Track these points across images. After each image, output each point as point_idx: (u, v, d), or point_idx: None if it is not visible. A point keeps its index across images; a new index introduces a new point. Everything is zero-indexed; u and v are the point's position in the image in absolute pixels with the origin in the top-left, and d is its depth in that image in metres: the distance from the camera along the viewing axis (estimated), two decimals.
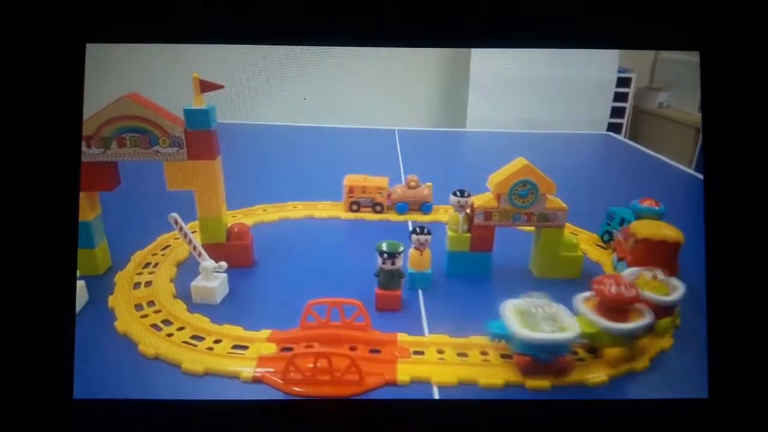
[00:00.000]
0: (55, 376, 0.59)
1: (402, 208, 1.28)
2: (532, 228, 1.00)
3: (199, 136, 0.90)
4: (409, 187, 1.29)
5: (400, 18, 0.58)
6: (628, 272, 0.80)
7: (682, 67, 3.14)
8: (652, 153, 2.10)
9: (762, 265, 0.52)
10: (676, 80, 3.28)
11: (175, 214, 0.87)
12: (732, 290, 0.51)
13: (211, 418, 0.66)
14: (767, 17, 0.51)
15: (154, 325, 0.80)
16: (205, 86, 0.90)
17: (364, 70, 2.90)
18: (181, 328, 0.79)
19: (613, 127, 2.97)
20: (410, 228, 1.17)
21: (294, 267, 1.04)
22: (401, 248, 0.87)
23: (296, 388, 0.68)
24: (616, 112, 3.14)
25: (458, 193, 0.96)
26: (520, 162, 0.95)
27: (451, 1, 0.58)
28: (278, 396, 0.68)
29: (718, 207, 0.53)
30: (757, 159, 0.53)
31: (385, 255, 0.86)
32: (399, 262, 0.87)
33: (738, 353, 0.50)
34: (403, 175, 1.69)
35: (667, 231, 0.88)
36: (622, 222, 1.07)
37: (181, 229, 0.87)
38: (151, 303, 0.86)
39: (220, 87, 0.91)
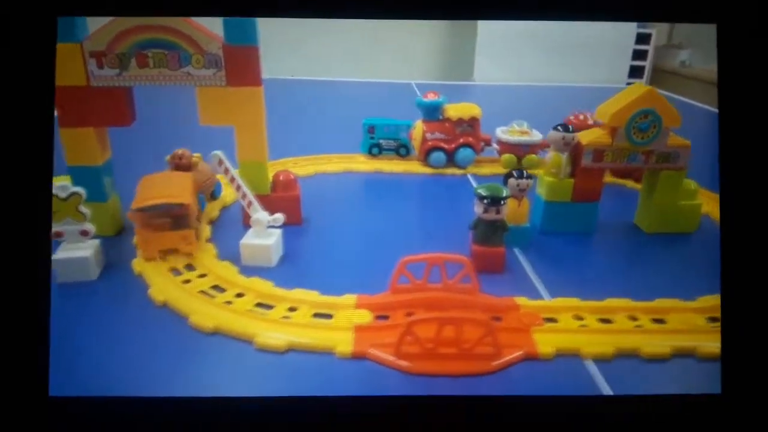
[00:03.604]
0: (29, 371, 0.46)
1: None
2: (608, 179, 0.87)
3: (242, 53, 0.76)
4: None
5: None
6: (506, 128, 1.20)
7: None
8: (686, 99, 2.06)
9: None
10: (697, 37, 3.22)
11: (219, 152, 0.72)
12: (747, 282, 0.49)
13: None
14: None
15: (204, 293, 0.65)
16: None
17: (366, 23, 2.85)
18: (240, 295, 0.65)
19: None
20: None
21: (350, 224, 0.92)
22: (505, 193, 0.74)
23: (411, 364, 0.55)
24: (634, 73, 3.07)
25: (561, 128, 0.83)
26: (639, 88, 0.82)
27: None
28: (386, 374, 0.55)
29: (733, 202, 0.49)
30: None
31: (487, 201, 0.73)
32: (504, 212, 0.74)
33: (753, 347, 0.48)
34: None
35: (474, 109, 1.17)
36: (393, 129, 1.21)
37: (227, 171, 0.73)
38: (189, 267, 0.72)
39: None
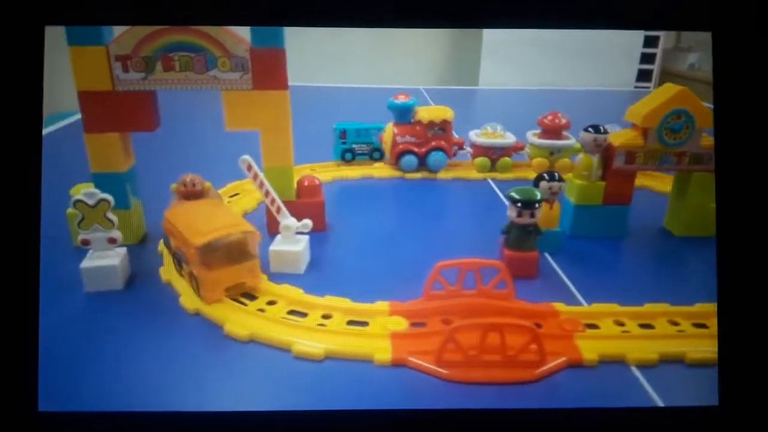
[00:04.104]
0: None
1: None
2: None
3: (269, 56, 0.75)
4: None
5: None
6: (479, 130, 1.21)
7: None
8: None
9: None
10: (706, 41, 3.21)
11: (247, 157, 0.72)
12: (744, 293, 0.48)
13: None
14: None
15: (236, 300, 0.65)
16: None
17: (369, 30, 2.88)
18: (271, 302, 0.65)
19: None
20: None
21: (373, 229, 0.91)
22: (539, 196, 0.74)
23: (452, 372, 0.55)
24: (642, 76, 3.06)
25: (592, 129, 0.83)
26: (671, 88, 0.82)
27: None
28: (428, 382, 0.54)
29: (731, 210, 0.49)
30: None
31: (520, 205, 0.73)
32: (538, 215, 0.73)
33: (750, 358, 0.48)
34: None
35: (447, 113, 1.16)
36: (362, 133, 1.19)
37: (255, 176, 0.72)
38: None
39: None
